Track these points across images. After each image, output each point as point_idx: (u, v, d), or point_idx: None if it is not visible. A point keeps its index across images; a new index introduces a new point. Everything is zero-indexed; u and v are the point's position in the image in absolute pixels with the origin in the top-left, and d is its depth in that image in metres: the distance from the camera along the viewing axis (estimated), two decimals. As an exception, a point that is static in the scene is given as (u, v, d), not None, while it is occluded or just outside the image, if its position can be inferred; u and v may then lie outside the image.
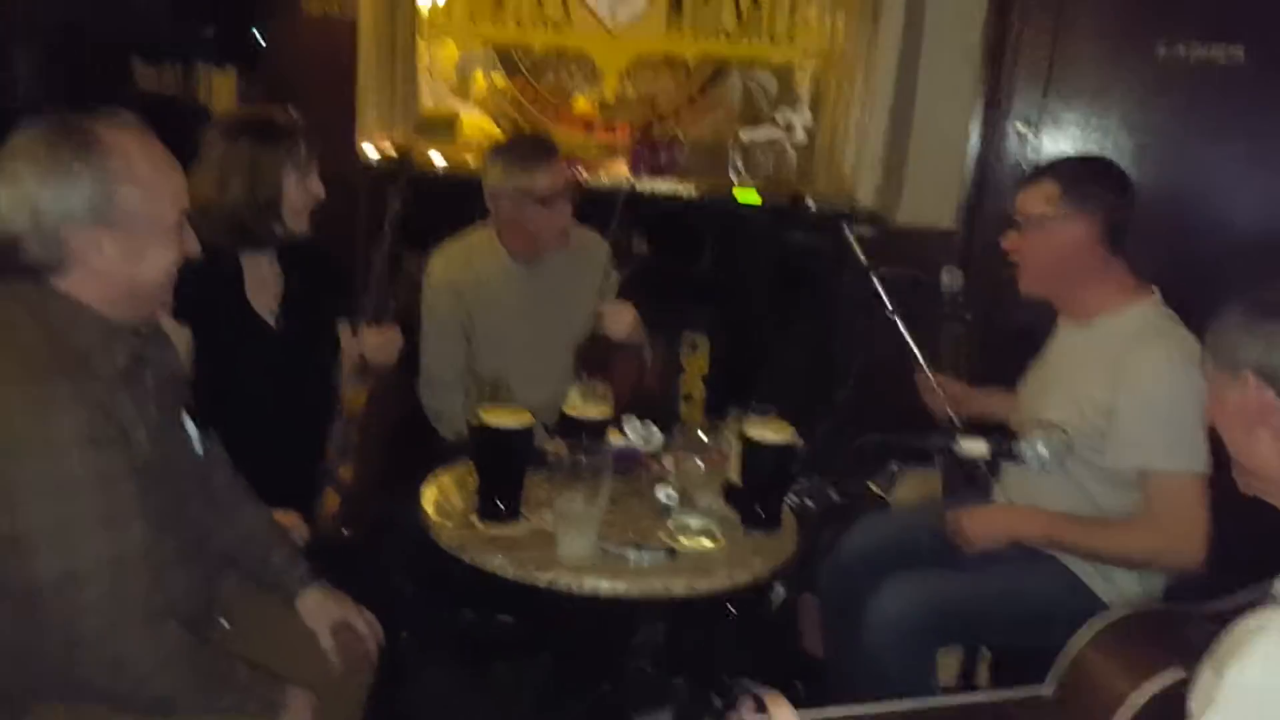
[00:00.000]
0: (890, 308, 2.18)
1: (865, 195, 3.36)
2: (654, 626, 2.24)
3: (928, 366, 2.18)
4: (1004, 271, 2.09)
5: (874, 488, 1.51)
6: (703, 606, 1.89)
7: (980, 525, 1.96)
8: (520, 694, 2.47)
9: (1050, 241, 1.97)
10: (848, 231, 2.28)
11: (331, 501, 2.13)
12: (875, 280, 2.11)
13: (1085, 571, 1.96)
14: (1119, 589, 1.94)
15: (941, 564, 2.04)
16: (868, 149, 3.36)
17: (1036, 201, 1.98)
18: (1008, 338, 2.09)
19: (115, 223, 1.40)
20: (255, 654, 1.62)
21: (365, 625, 1.81)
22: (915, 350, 2.14)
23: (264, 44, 4.18)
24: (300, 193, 2.06)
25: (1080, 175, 2.00)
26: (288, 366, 2.16)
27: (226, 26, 4.14)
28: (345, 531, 2.08)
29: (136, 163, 1.41)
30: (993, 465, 2.07)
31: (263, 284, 2.16)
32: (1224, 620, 1.02)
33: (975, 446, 1.45)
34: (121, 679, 1.39)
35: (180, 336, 1.93)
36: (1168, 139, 3.06)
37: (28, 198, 1.36)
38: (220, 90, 4.40)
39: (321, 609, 1.78)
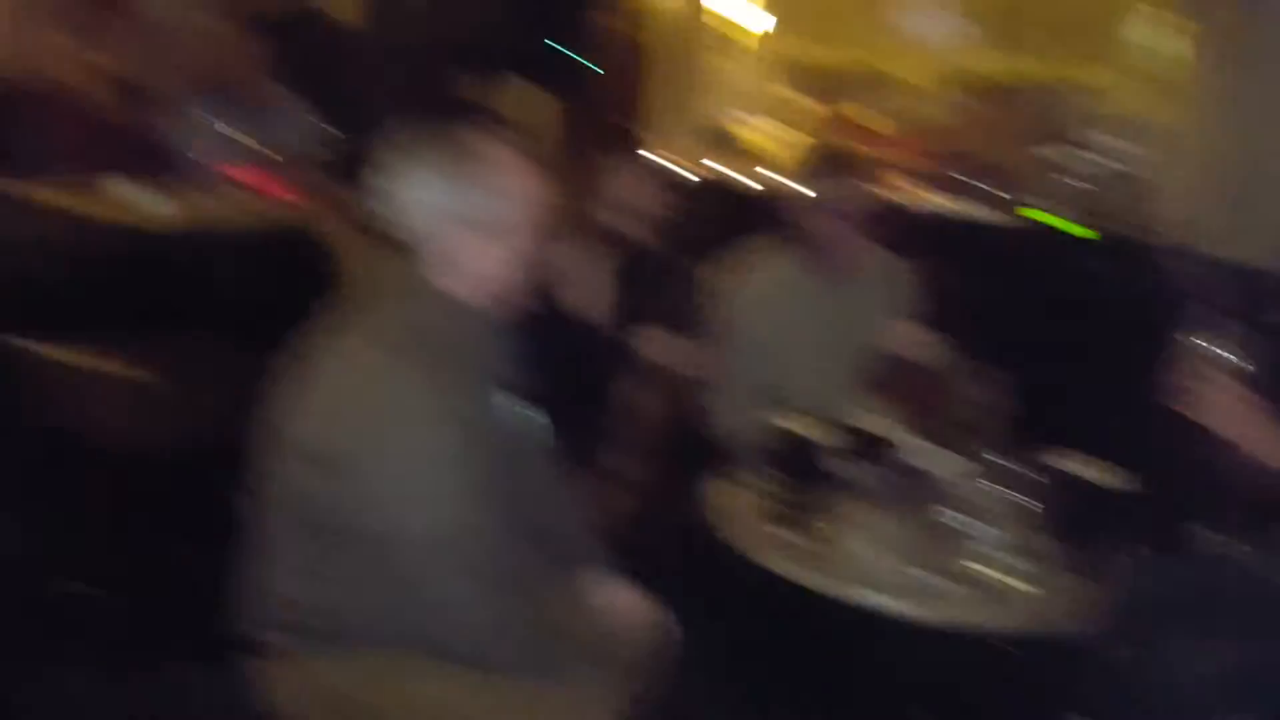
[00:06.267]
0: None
1: (1192, 228, 3.10)
2: (936, 664, 2.16)
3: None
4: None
5: (1217, 538, 1.38)
6: (999, 649, 1.80)
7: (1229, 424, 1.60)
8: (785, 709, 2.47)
9: None
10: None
11: (610, 495, 2.21)
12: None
13: None
14: None
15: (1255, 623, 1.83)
16: (1198, 181, 3.10)
17: None
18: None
19: (479, 225, 1.53)
20: (559, 627, 1.71)
21: (654, 616, 1.88)
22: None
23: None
24: (625, 192, 2.19)
25: None
26: (589, 363, 2.27)
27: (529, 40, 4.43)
28: (632, 533, 2.15)
29: (504, 172, 1.55)
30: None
31: (585, 283, 2.31)
32: None
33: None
34: (460, 639, 1.51)
35: None
36: None
37: (402, 198, 1.52)
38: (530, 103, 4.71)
39: (617, 596, 1.86)
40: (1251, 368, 1.71)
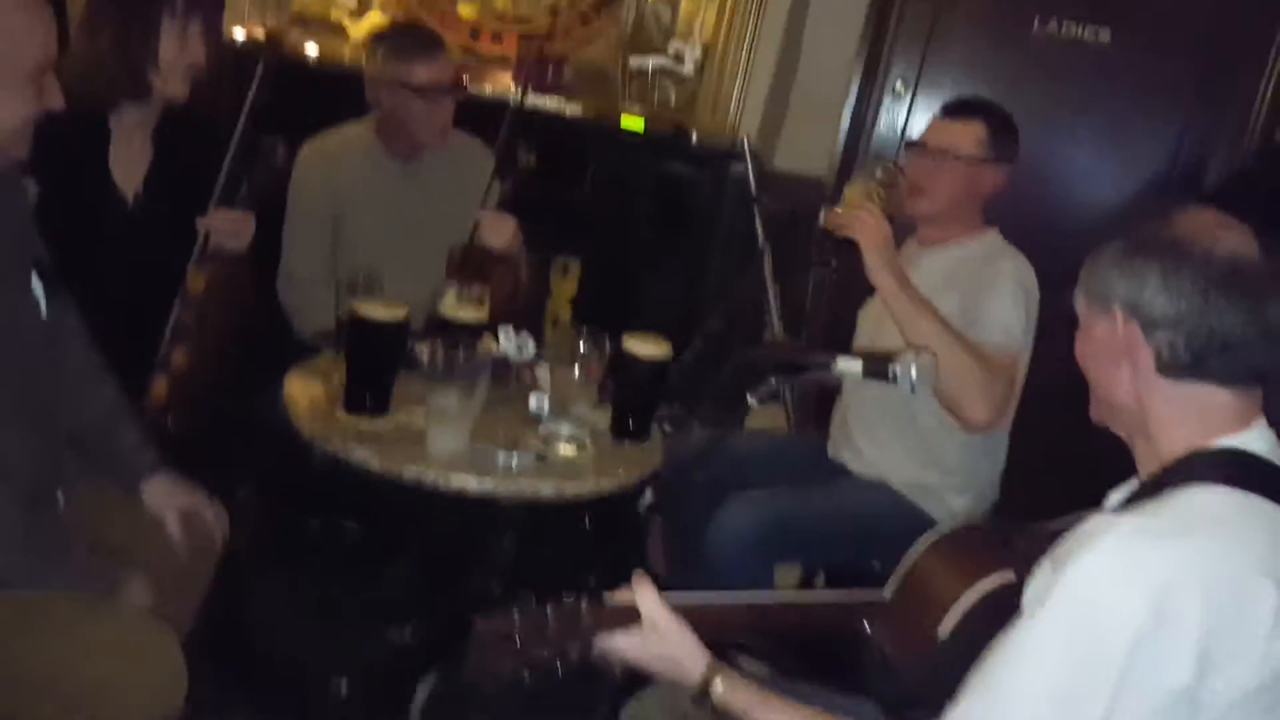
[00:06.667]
0: (763, 241, 2.24)
1: (745, 135, 3.39)
2: (508, 536, 2.25)
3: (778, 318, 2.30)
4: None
5: (751, 401, 1.56)
6: (564, 516, 1.91)
7: (874, 235, 1.92)
8: (364, 602, 2.45)
9: (963, 179, 2.07)
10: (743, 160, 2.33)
11: (160, 388, 2.02)
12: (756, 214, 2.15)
13: (915, 493, 2.10)
14: (948, 508, 2.08)
15: (781, 484, 2.13)
16: (753, 91, 3.39)
17: (962, 139, 2.06)
18: (866, 284, 2.13)
19: None
20: (97, 535, 1.55)
21: (213, 517, 1.76)
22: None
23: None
24: (176, 50, 1.94)
25: (1005, 124, 2.10)
26: (138, 244, 2.04)
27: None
28: (171, 422, 1.99)
29: None
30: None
31: (130, 154, 2.03)
32: (1054, 535, 1.09)
33: (850, 366, 1.51)
34: None
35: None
36: (1035, 113, 3.19)
37: None
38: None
39: (169, 496, 1.72)
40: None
